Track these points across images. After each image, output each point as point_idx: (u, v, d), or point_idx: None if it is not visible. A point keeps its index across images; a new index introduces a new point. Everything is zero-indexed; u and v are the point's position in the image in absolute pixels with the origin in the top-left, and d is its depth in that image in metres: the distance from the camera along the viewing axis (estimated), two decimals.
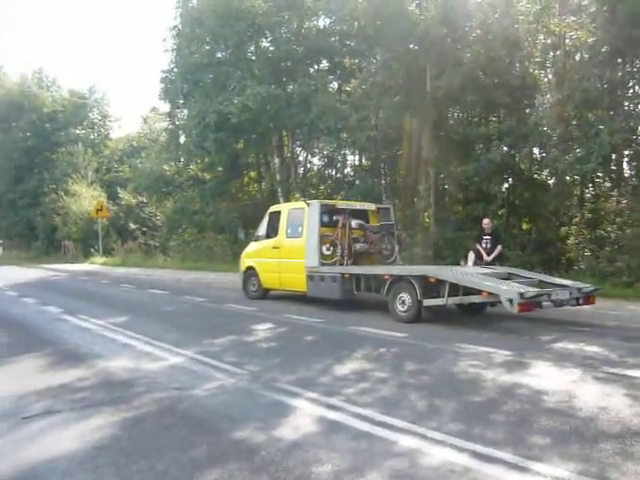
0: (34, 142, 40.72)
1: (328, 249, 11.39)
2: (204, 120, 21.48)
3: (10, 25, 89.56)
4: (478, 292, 8.46)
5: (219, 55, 23.47)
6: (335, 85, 24.02)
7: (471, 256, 11.12)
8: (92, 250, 28.35)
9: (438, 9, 14.91)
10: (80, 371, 6.41)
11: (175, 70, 24.64)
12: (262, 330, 9.08)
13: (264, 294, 12.90)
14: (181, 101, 25.27)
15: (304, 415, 4.68)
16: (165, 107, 27.84)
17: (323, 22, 23.38)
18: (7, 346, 8.13)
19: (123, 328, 9.13)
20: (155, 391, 5.60)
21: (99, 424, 4.62)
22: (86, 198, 32.29)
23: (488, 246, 11.02)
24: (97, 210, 28.70)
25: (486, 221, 11.39)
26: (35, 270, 25.10)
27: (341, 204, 12.54)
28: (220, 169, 24.91)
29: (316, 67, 23.78)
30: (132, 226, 29.38)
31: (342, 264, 11.27)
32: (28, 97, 41.70)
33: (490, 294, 8.22)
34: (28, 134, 41.52)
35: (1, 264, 29.87)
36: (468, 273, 9.28)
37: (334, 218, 11.59)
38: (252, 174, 27.13)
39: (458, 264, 11.98)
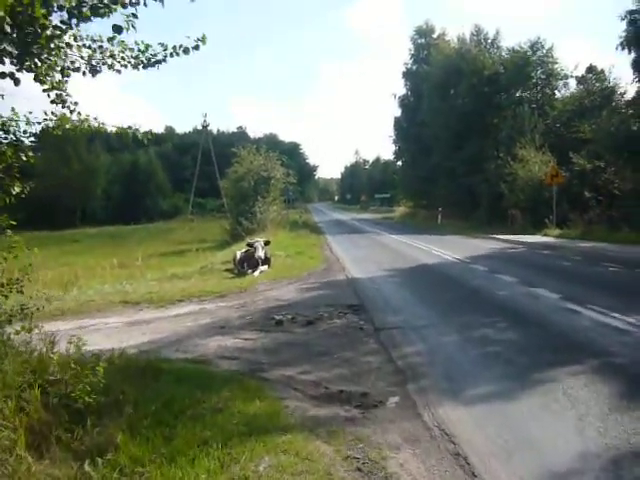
0: (473, 107, 40.33)
1: None
2: None
3: None
4: None
5: None
6: None
7: None
8: (546, 221, 25.74)
9: None
10: None
11: None
12: None
13: None
14: None
15: None
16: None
17: None
18: (519, 350, 6.23)
19: None
20: None
21: None
22: (535, 163, 29.74)
23: None
24: (552, 176, 25.97)
25: None
26: (483, 241, 24.34)
27: None
28: None
29: None
30: (587, 194, 25.65)
31: None
32: (467, 60, 41.24)
33: None
34: (466, 100, 41.31)
35: (442, 233, 30.16)
36: None
37: None
38: None
39: None
